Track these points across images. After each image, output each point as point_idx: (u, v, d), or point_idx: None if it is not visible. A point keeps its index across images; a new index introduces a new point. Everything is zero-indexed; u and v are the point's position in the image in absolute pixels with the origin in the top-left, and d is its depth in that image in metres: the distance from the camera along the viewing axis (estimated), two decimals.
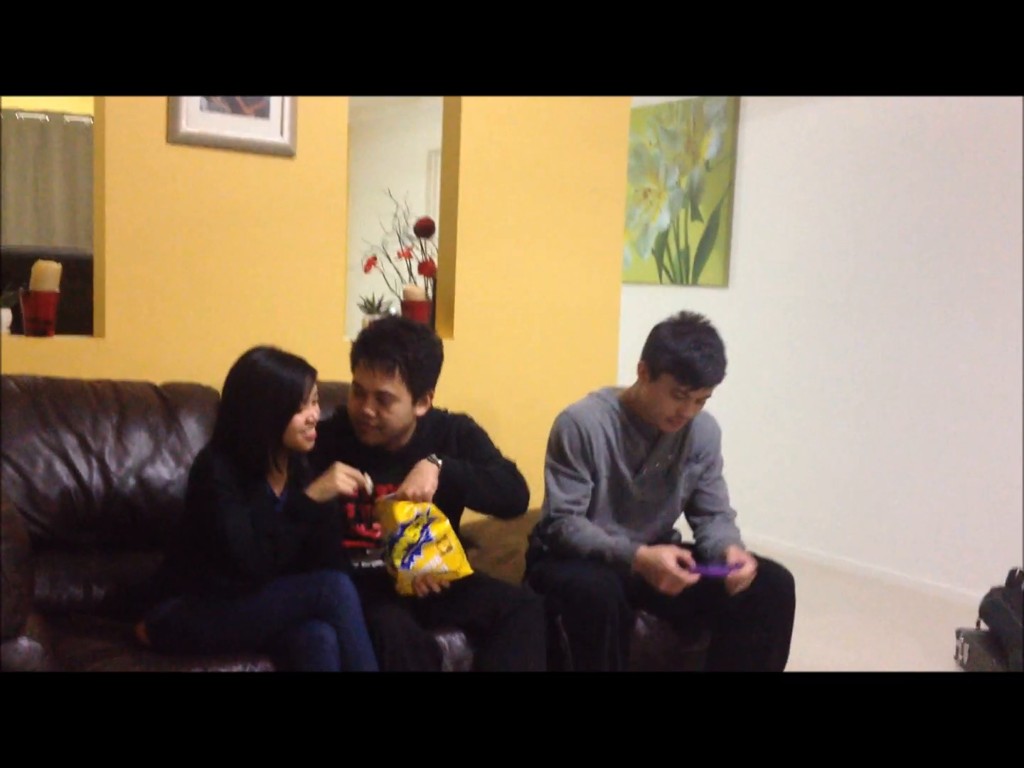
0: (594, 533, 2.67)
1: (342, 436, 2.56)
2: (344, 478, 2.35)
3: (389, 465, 2.56)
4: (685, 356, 2.59)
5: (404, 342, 2.51)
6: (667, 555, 2.53)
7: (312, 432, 2.37)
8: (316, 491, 2.34)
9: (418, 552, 2.41)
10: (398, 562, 2.41)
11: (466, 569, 2.48)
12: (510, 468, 2.68)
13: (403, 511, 2.40)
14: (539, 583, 2.66)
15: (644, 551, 2.58)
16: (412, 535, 2.40)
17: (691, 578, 2.51)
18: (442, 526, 2.45)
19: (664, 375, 2.64)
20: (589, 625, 2.48)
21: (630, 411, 2.77)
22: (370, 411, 2.51)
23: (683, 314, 2.72)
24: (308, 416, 2.34)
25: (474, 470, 2.57)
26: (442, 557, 2.43)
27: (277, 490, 2.40)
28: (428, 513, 2.44)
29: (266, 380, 2.30)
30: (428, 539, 2.42)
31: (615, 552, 2.61)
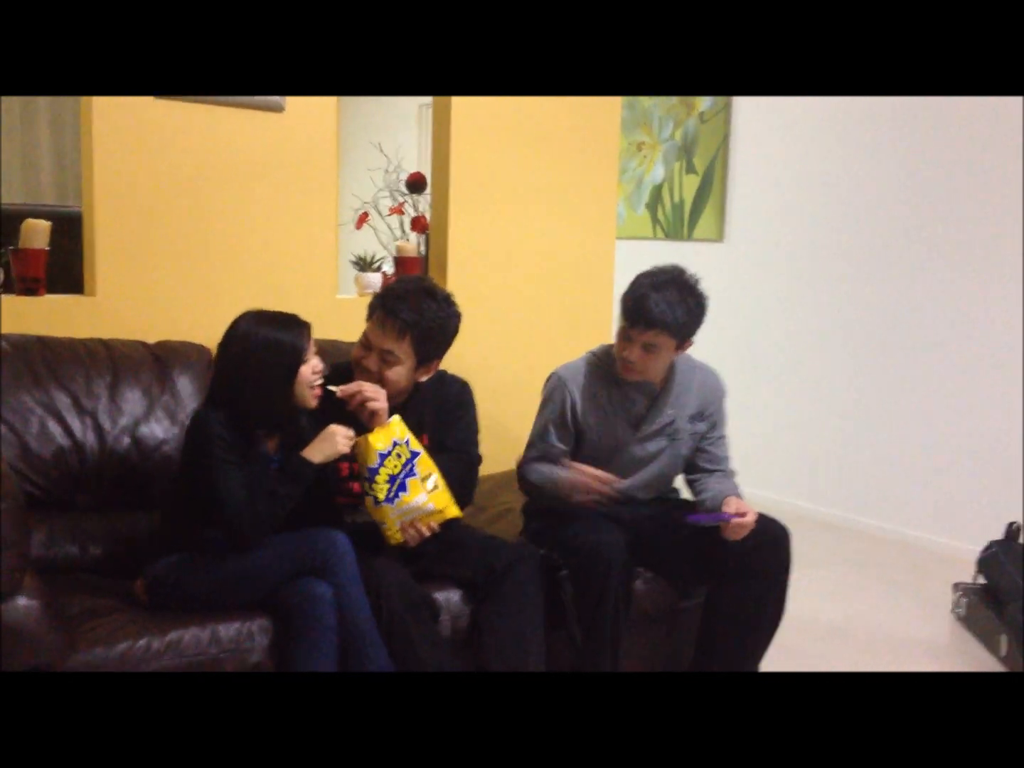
0: (549, 470, 2.71)
1: (340, 398, 2.55)
2: (344, 441, 2.36)
3: None
4: (636, 294, 2.60)
5: (422, 308, 2.48)
6: (583, 468, 2.64)
7: (318, 387, 2.37)
8: (317, 454, 2.34)
9: (403, 488, 2.39)
10: (382, 496, 2.38)
11: (454, 510, 2.47)
12: (468, 465, 2.67)
13: (379, 439, 2.39)
14: (540, 539, 2.67)
15: (564, 472, 2.67)
16: (392, 466, 2.39)
17: (610, 489, 2.64)
18: (427, 463, 2.44)
19: (620, 315, 2.66)
20: (595, 581, 2.49)
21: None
22: (371, 366, 2.50)
23: (674, 266, 2.69)
24: (314, 366, 2.35)
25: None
26: (428, 495, 2.42)
27: (271, 448, 2.40)
28: (408, 444, 2.42)
29: (265, 346, 2.30)
30: (412, 474, 2.40)
31: (556, 483, 2.67)
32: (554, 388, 2.76)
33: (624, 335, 2.65)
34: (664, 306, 2.56)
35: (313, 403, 2.38)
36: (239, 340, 2.33)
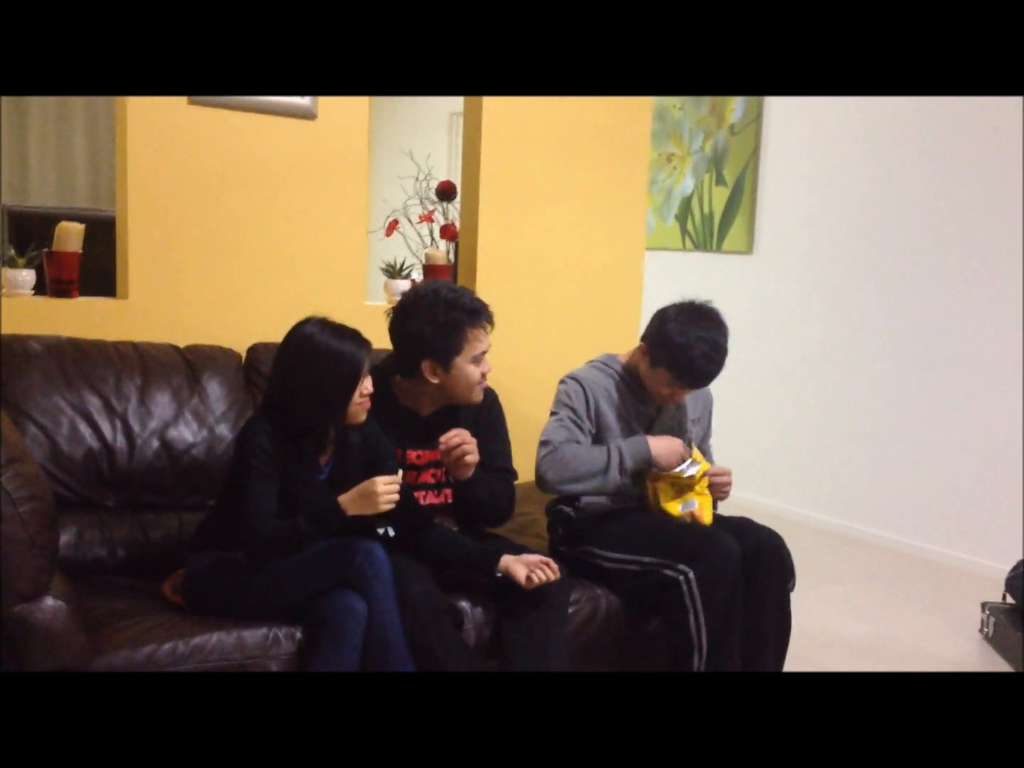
0: (575, 449, 2.65)
1: (378, 402, 2.55)
2: (387, 500, 2.25)
3: (421, 429, 2.59)
4: (685, 359, 2.61)
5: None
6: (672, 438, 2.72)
7: (367, 403, 2.35)
8: (353, 507, 2.26)
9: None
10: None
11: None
12: (512, 484, 2.71)
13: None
14: (632, 545, 2.64)
15: (655, 439, 2.68)
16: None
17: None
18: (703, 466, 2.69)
19: (662, 369, 2.67)
20: (724, 587, 2.50)
21: (635, 376, 2.80)
22: (489, 367, 2.57)
23: (692, 304, 2.70)
24: (363, 388, 2.32)
25: (485, 483, 2.60)
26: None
27: (323, 459, 2.38)
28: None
29: (326, 355, 2.26)
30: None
31: (623, 452, 2.63)
32: (573, 388, 2.75)
33: (675, 386, 2.69)
34: (717, 365, 2.66)
35: (362, 417, 2.35)
36: (301, 343, 2.29)
